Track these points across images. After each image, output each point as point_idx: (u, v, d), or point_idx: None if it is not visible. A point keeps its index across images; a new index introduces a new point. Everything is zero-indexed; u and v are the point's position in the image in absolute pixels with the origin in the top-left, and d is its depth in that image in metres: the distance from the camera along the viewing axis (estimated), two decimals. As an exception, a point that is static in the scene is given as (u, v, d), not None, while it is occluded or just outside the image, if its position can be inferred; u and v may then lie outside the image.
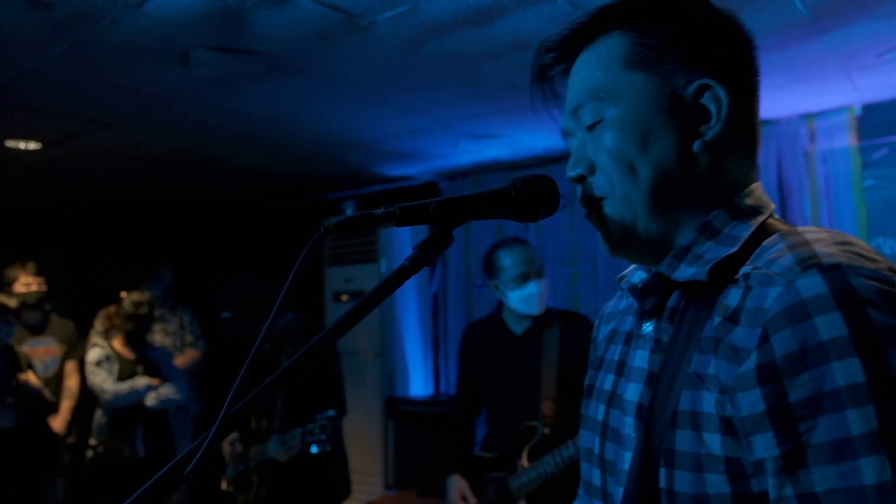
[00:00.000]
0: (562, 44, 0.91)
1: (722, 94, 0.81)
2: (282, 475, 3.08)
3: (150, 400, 3.88)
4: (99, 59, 2.68)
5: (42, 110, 3.30)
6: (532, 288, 2.62)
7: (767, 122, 3.71)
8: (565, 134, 0.91)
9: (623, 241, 0.85)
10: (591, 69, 0.86)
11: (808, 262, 0.67)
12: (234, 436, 3.24)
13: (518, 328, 2.73)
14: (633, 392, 0.83)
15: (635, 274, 0.93)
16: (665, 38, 0.83)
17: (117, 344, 3.99)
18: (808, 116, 3.62)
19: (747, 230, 0.79)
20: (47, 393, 3.82)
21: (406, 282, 0.79)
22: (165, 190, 5.32)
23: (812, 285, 0.65)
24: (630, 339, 0.89)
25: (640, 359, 0.84)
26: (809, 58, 2.81)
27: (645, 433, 0.77)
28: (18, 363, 3.77)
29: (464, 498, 2.66)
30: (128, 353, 3.99)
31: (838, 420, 0.61)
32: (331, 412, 2.93)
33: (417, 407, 4.45)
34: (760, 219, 0.80)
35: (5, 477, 3.61)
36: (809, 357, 0.63)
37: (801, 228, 0.76)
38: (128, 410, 3.88)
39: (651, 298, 0.84)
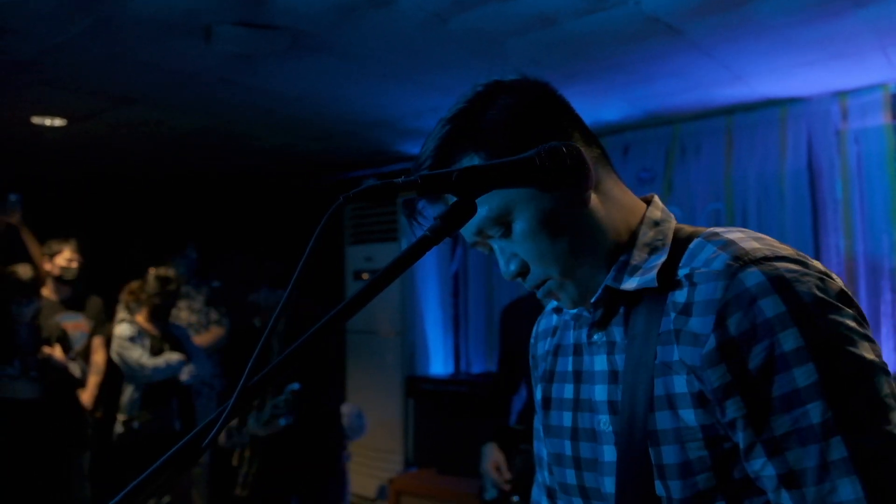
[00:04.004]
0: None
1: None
2: (267, 450, 3.10)
3: (185, 375, 3.92)
4: (122, 35, 2.69)
5: (67, 87, 3.32)
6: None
7: (798, 100, 3.63)
8: (475, 245, 0.96)
9: (583, 298, 0.94)
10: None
11: (743, 258, 0.82)
12: (233, 423, 3.28)
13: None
14: (600, 392, 0.94)
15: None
16: (509, 139, 0.88)
17: (141, 319, 4.03)
18: (840, 94, 3.52)
19: (667, 238, 0.93)
20: (73, 367, 3.87)
21: (426, 253, 0.78)
22: (189, 167, 5.35)
23: (751, 275, 0.80)
24: (580, 349, 1.00)
25: (600, 363, 0.94)
26: (845, 33, 2.73)
27: (627, 423, 0.88)
28: (43, 338, 3.82)
29: (497, 468, 2.83)
30: (153, 329, 4.03)
31: (788, 377, 0.76)
32: (295, 385, 2.94)
33: (437, 386, 4.46)
34: (672, 224, 0.95)
35: (31, 448, 3.68)
36: (760, 332, 0.78)
37: (716, 229, 0.90)
38: (162, 385, 3.92)
39: (600, 310, 0.94)
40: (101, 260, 5.37)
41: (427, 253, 0.80)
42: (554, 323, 1.09)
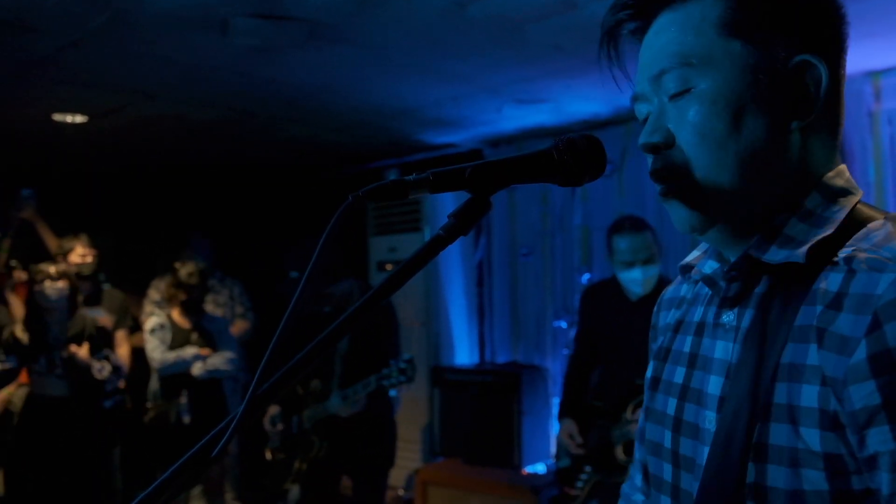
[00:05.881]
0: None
1: (823, 72, 0.76)
2: (342, 433, 3.11)
3: (196, 369, 3.95)
4: (140, 30, 2.68)
5: (87, 83, 3.33)
6: (636, 274, 2.88)
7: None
8: (637, 98, 0.85)
9: (705, 217, 0.79)
10: (679, 31, 0.79)
11: None
12: (274, 410, 3.29)
13: (634, 294, 2.96)
14: (714, 385, 0.79)
15: (705, 263, 0.87)
16: (766, 4, 0.77)
17: (175, 313, 4.06)
18: (873, 74, 3.41)
19: (841, 212, 0.75)
20: (96, 369, 3.90)
21: (442, 251, 0.75)
22: (211, 161, 5.37)
23: None
24: (702, 329, 0.85)
25: (722, 350, 0.80)
26: (876, 11, 2.63)
27: (728, 426, 0.74)
28: (72, 335, 3.85)
29: (571, 437, 3.03)
30: (184, 322, 4.06)
31: None
32: (408, 355, 3.00)
33: (463, 376, 4.44)
34: (853, 200, 0.77)
35: (61, 443, 3.73)
36: None
37: None
38: (175, 378, 3.96)
39: (736, 284, 0.79)
40: (126, 253, 5.42)
41: (444, 249, 0.77)
42: (682, 293, 0.94)
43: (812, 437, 0.67)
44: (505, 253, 4.76)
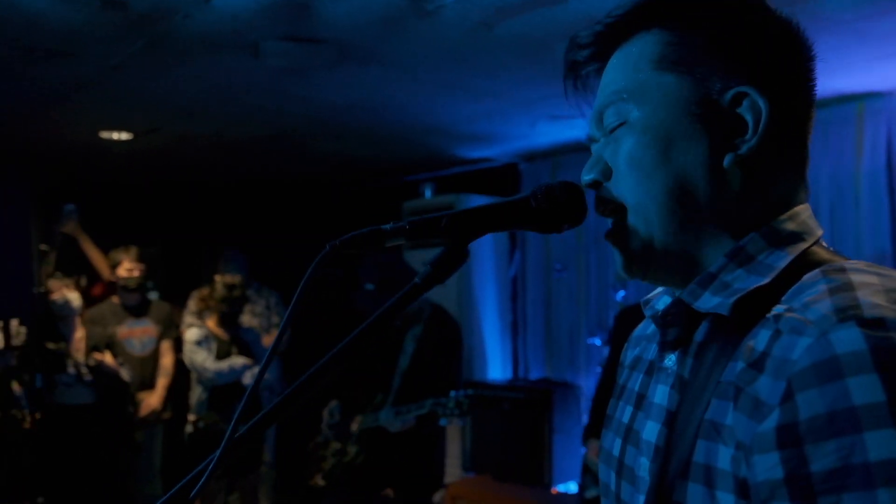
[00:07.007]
0: (595, 40, 0.82)
1: (761, 103, 0.72)
2: (387, 447, 3.11)
3: (248, 378, 4.03)
4: (176, 54, 2.76)
5: (129, 103, 3.45)
6: None
7: (877, 95, 3.40)
8: (590, 141, 0.83)
9: (639, 258, 0.76)
10: (619, 71, 0.78)
11: (848, 311, 0.58)
12: (332, 404, 3.32)
13: None
14: (650, 431, 0.75)
15: (660, 299, 0.84)
16: (704, 39, 0.74)
17: (211, 324, 4.15)
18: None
19: (783, 259, 0.69)
20: (123, 373, 4.02)
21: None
22: (250, 175, 5.48)
23: (848, 340, 0.57)
24: (652, 369, 0.81)
25: (661, 395, 0.76)
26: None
27: (658, 480, 0.70)
28: (92, 345, 3.99)
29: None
30: (222, 334, 4.14)
31: (867, 500, 0.53)
32: (470, 391, 2.99)
33: (495, 391, 4.41)
34: (801, 246, 0.71)
35: (85, 449, 3.84)
36: (838, 423, 0.55)
37: (849, 264, 0.66)
38: (227, 388, 4.04)
39: (673, 329, 0.75)
40: (172, 265, 5.57)
41: (451, 274, 0.76)
42: (649, 331, 0.90)
43: (727, 502, 0.62)
44: (539, 268, 4.72)
